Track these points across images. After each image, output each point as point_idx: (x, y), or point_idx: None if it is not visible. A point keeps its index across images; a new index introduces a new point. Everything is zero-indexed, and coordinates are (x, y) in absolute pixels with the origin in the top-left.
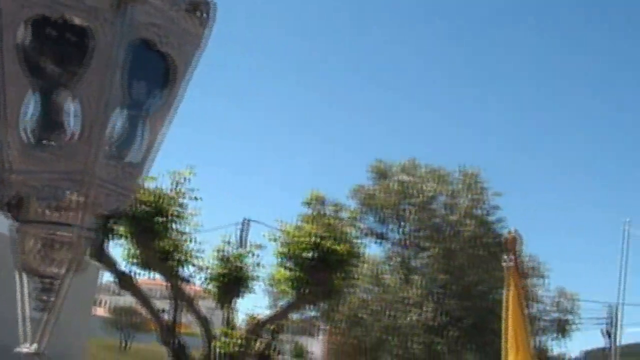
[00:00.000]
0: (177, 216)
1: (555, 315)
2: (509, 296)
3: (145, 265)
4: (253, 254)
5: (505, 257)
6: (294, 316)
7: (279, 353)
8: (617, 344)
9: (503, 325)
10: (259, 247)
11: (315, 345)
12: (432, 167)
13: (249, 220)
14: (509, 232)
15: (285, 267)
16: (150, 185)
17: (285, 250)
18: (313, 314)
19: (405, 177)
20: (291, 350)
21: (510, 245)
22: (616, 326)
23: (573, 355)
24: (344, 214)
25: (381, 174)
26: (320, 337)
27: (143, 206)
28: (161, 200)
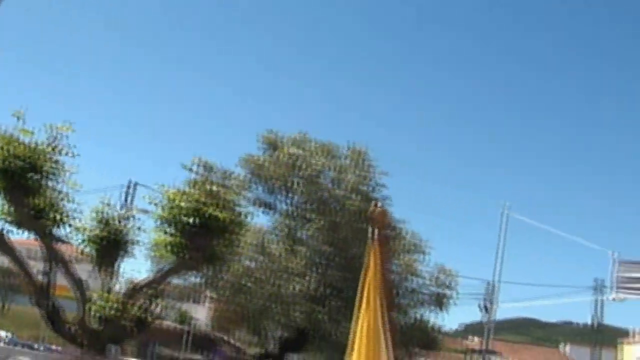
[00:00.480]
0: (53, 173)
1: (434, 289)
2: (369, 263)
3: (18, 223)
4: (134, 218)
5: (370, 229)
6: (178, 282)
7: (157, 318)
8: (493, 318)
9: (359, 286)
10: (144, 211)
11: (200, 312)
12: (322, 143)
13: (135, 184)
14: (375, 205)
15: (166, 232)
16: (25, 139)
17: (165, 214)
18: (197, 280)
19: (295, 150)
20: (176, 317)
21: (377, 218)
22: (492, 302)
23: (452, 327)
24: (232, 182)
25: (271, 145)
26: (206, 304)
27: (16, 160)
28: (36, 156)
